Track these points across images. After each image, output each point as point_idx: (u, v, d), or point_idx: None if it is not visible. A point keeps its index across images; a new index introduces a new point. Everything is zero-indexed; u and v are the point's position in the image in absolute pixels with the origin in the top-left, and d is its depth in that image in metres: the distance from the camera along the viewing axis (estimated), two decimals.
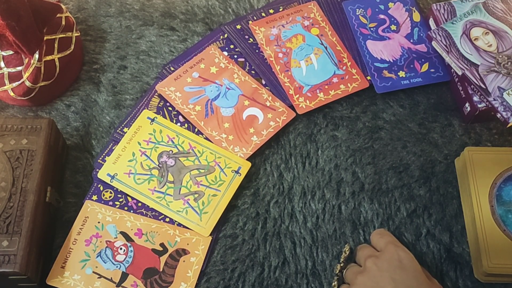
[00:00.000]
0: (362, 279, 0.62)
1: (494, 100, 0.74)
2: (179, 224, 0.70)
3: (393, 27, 0.85)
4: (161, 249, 0.69)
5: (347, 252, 0.67)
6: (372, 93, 0.80)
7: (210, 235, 0.70)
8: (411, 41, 0.84)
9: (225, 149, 0.75)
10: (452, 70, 0.79)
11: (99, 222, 0.70)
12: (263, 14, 0.87)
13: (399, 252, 0.63)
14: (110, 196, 0.72)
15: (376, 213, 0.72)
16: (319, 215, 0.72)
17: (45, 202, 0.66)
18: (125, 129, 0.76)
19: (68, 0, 0.88)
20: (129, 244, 0.68)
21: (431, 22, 0.84)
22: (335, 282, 0.66)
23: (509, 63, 0.76)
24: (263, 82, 0.81)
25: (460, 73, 0.77)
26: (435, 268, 0.68)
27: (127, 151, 0.74)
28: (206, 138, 0.76)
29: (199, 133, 0.77)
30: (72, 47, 0.80)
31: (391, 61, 0.82)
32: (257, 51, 0.83)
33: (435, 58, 0.83)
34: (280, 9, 0.88)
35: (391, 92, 0.80)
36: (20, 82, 0.75)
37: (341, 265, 0.66)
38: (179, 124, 0.77)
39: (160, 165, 0.73)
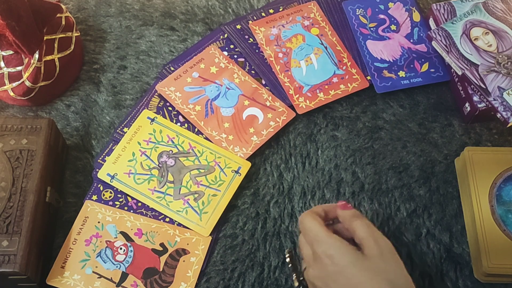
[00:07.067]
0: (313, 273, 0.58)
1: (494, 100, 0.74)
2: (179, 224, 0.70)
3: (393, 27, 0.85)
4: (161, 249, 0.69)
5: (291, 258, 0.63)
6: (372, 93, 0.80)
7: (210, 235, 0.70)
8: (411, 41, 0.84)
9: (225, 149, 0.75)
10: (452, 70, 0.79)
11: (99, 222, 0.70)
12: (263, 14, 0.87)
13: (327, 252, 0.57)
14: (110, 196, 0.72)
15: (376, 213, 0.72)
16: None
17: (45, 202, 0.66)
18: (125, 129, 0.76)
19: (68, 0, 0.88)
20: (129, 244, 0.68)
21: (431, 22, 0.84)
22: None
23: (509, 63, 0.76)
24: (263, 82, 0.81)
25: (460, 73, 0.77)
26: (435, 268, 0.68)
27: (127, 151, 0.74)
28: (206, 138, 0.76)
29: (199, 133, 0.77)
30: (72, 47, 0.80)
31: (391, 61, 0.82)
32: (257, 51, 0.83)
33: (435, 58, 0.83)
34: (280, 9, 0.88)
35: (391, 92, 0.80)
36: (20, 82, 0.75)
37: (294, 276, 0.61)
38: (179, 124, 0.77)
39: (160, 165, 0.73)
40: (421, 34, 0.85)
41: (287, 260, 0.63)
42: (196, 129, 0.77)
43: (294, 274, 0.62)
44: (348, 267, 0.55)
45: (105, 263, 0.67)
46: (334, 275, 0.56)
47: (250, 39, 0.85)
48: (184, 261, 0.68)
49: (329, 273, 0.56)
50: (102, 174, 0.72)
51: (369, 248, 0.56)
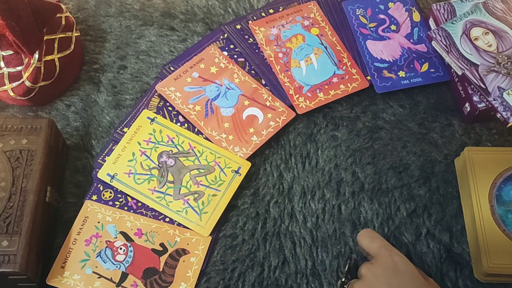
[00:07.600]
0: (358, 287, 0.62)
1: (494, 100, 0.74)
2: (179, 224, 0.70)
3: (393, 27, 0.85)
4: (161, 249, 0.69)
5: (350, 265, 0.67)
6: (372, 93, 0.80)
7: (210, 235, 0.70)
8: (411, 41, 0.84)
9: (225, 149, 0.75)
10: (452, 70, 0.79)
11: (99, 222, 0.70)
12: (263, 14, 0.87)
13: (393, 257, 0.62)
14: (110, 196, 0.72)
15: (376, 213, 0.72)
16: (319, 215, 0.72)
17: (45, 202, 0.66)
18: (125, 129, 0.76)
19: (68, 0, 0.88)
20: (129, 244, 0.68)
21: (431, 22, 0.84)
22: None
23: (509, 63, 0.76)
24: (263, 82, 0.81)
25: (460, 73, 0.77)
26: (435, 268, 0.68)
27: (127, 151, 0.74)
28: (206, 138, 0.76)
29: (199, 133, 0.77)
30: (72, 47, 0.80)
31: (391, 61, 0.82)
32: (257, 51, 0.83)
33: (435, 58, 0.83)
34: (280, 9, 0.88)
35: (391, 92, 0.80)
36: (20, 82, 0.75)
37: (343, 280, 0.66)
38: (179, 124, 0.77)
39: (160, 165, 0.73)
40: (421, 34, 0.85)
41: (345, 268, 0.67)
42: (196, 129, 0.77)
43: (343, 280, 0.66)
44: None
45: (105, 263, 0.67)
46: None
47: (250, 39, 0.85)
48: (184, 261, 0.68)
49: None
50: (102, 174, 0.72)
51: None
